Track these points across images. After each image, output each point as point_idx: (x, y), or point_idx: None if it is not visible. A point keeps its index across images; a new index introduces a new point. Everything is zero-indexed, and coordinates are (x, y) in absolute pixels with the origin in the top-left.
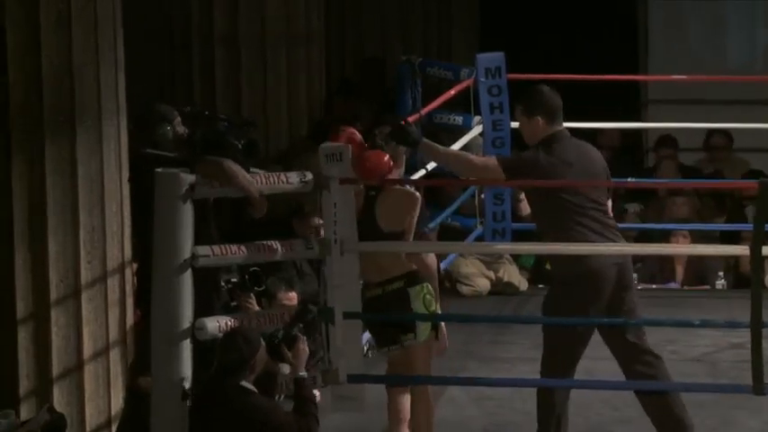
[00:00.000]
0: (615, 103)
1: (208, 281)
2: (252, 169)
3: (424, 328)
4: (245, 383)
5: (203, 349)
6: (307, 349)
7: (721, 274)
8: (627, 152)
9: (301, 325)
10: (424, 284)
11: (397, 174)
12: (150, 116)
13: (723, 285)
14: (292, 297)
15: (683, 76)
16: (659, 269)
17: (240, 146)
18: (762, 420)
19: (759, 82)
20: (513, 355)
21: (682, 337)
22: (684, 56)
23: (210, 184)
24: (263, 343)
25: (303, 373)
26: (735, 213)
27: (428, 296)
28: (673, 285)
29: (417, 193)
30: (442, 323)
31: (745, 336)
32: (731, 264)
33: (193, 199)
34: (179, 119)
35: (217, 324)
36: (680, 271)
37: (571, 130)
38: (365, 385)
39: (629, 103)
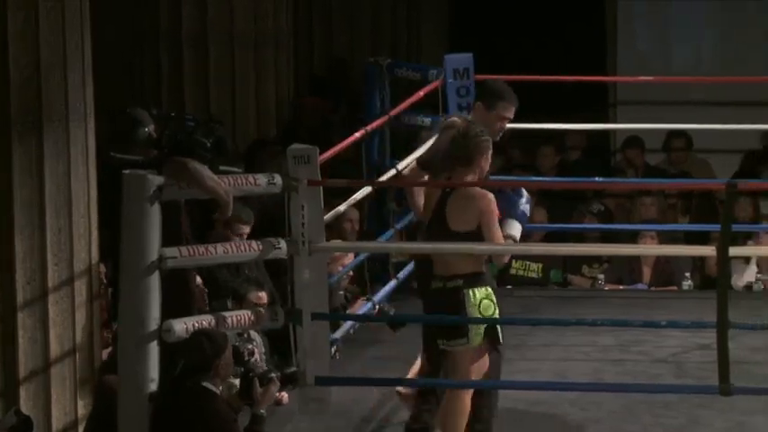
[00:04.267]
0: (583, 104)
1: (183, 282)
2: (222, 167)
3: (476, 333)
4: (207, 384)
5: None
6: (276, 394)
7: (688, 275)
8: (594, 152)
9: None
10: (486, 288)
11: (475, 176)
12: (126, 120)
13: (690, 286)
14: (262, 297)
15: (650, 78)
16: (627, 270)
17: (209, 144)
18: (728, 420)
19: (728, 83)
20: None
21: (649, 337)
22: (654, 57)
23: (178, 185)
24: (229, 345)
25: (263, 412)
26: (701, 214)
27: (485, 301)
28: (640, 286)
29: (490, 194)
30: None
31: (711, 336)
32: (698, 265)
33: (165, 200)
34: (152, 122)
35: (184, 326)
36: (647, 272)
37: (540, 131)
38: (332, 387)
39: (597, 103)
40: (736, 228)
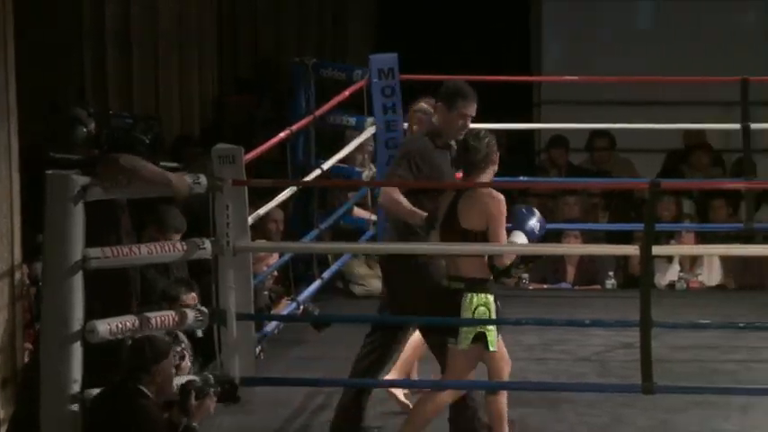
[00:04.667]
0: (508, 104)
1: (123, 283)
2: (162, 164)
3: (464, 337)
4: (142, 387)
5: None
6: (212, 409)
7: (611, 273)
8: (519, 152)
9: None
10: (486, 295)
11: (491, 173)
12: (64, 119)
13: (613, 285)
14: (194, 299)
15: (575, 77)
16: (551, 270)
17: (147, 141)
18: (652, 418)
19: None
20: None
21: (573, 336)
22: (576, 57)
23: (117, 183)
24: (171, 357)
25: (195, 425)
26: (620, 213)
27: (482, 308)
28: (564, 286)
29: (500, 195)
30: (499, 338)
31: (635, 335)
32: (621, 264)
33: (103, 200)
34: (92, 121)
35: (108, 327)
36: (571, 271)
37: None
38: (255, 387)
39: (522, 103)
40: (659, 227)
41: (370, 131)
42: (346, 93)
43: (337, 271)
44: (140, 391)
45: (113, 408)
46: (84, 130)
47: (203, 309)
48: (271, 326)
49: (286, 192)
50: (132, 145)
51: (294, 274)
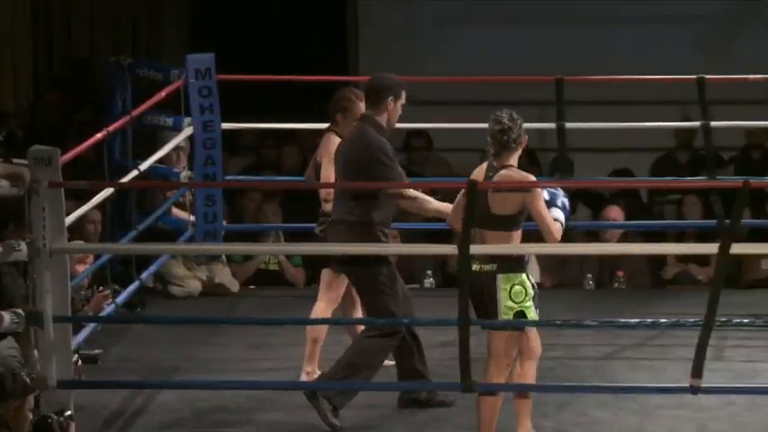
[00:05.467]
0: (327, 104)
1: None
2: (15, 161)
3: (504, 315)
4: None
5: None
6: None
7: (430, 273)
8: None
9: None
10: (521, 275)
11: (518, 155)
12: None
13: (432, 284)
14: None
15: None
16: None
17: (2, 138)
18: (471, 417)
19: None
20: (225, 355)
21: None
22: (393, 57)
23: None
24: (27, 394)
25: None
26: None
27: (517, 287)
28: None
29: (531, 176)
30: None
31: (453, 333)
32: (439, 263)
33: None
34: None
35: None
36: None
37: (279, 130)
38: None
39: None
40: None
41: (187, 132)
42: (163, 93)
43: (156, 272)
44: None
45: None
46: None
47: (19, 311)
48: (89, 328)
49: (103, 193)
50: None
51: (112, 275)
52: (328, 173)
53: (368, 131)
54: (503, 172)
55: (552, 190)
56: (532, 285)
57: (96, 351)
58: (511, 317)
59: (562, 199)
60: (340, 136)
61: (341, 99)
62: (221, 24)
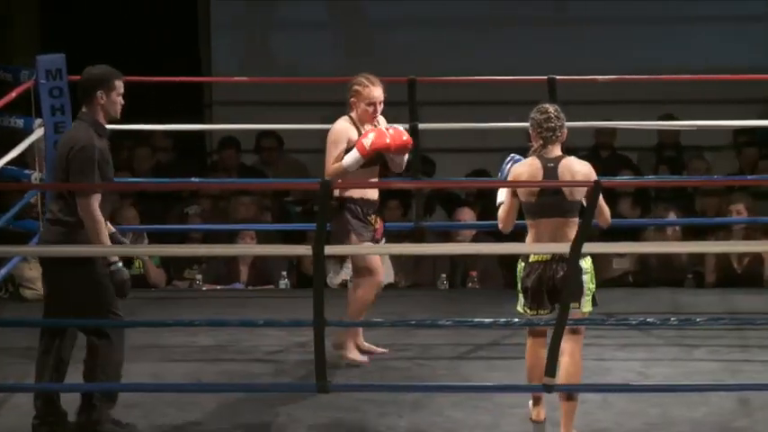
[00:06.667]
0: (179, 105)
1: None
2: None
3: (587, 301)
4: None
5: None
6: None
7: (285, 273)
8: (190, 153)
9: None
10: (587, 260)
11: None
12: None
13: (287, 285)
14: None
15: (245, 78)
16: (224, 270)
17: None
18: (327, 417)
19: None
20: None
21: (247, 337)
22: (249, 57)
23: None
24: None
25: None
26: (281, 213)
27: (587, 275)
28: (238, 286)
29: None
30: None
31: (309, 334)
32: (294, 263)
33: None
34: None
35: None
36: (245, 271)
37: (134, 131)
38: None
39: (193, 104)
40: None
41: (38, 133)
42: (13, 94)
43: (7, 274)
44: None
45: None
46: None
47: None
48: None
49: None
50: None
51: None
52: (331, 156)
53: (77, 130)
54: (569, 160)
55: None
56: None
57: None
58: (590, 299)
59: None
60: (353, 121)
61: (351, 85)
62: (72, 24)
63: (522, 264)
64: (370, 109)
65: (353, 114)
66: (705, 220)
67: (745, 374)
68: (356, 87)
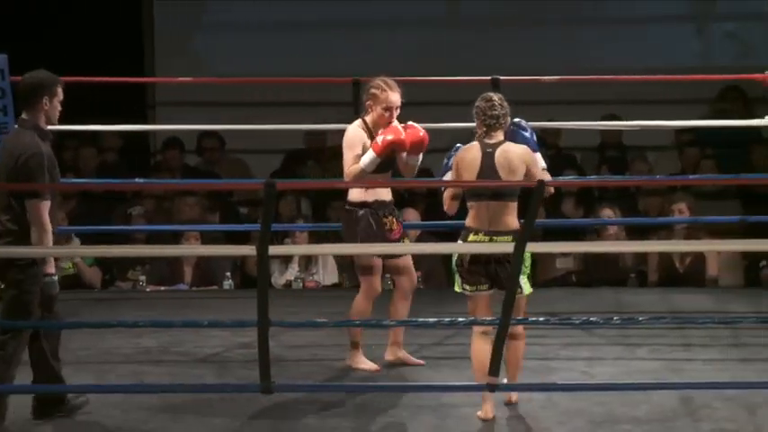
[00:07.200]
0: (122, 105)
1: None
2: None
3: (525, 282)
4: None
5: None
6: None
7: (229, 274)
8: (134, 154)
9: None
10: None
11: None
12: None
13: (231, 285)
14: None
15: (189, 78)
16: (168, 271)
17: None
18: (271, 417)
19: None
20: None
21: (191, 338)
22: (192, 57)
23: None
24: None
25: None
26: (228, 213)
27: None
28: (182, 287)
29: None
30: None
31: (253, 335)
32: (238, 264)
33: None
34: None
35: None
36: (188, 272)
37: (75, 132)
38: None
39: (136, 105)
40: (276, 227)
41: None
42: None
43: None
44: None
45: None
46: None
47: None
48: None
49: None
50: None
51: None
52: (348, 160)
53: (22, 137)
54: (507, 146)
55: (521, 130)
56: None
57: None
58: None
59: (533, 137)
60: (366, 125)
61: (369, 87)
62: (14, 25)
63: (460, 242)
64: (387, 114)
65: (368, 118)
66: (647, 220)
67: (686, 373)
68: (373, 91)
